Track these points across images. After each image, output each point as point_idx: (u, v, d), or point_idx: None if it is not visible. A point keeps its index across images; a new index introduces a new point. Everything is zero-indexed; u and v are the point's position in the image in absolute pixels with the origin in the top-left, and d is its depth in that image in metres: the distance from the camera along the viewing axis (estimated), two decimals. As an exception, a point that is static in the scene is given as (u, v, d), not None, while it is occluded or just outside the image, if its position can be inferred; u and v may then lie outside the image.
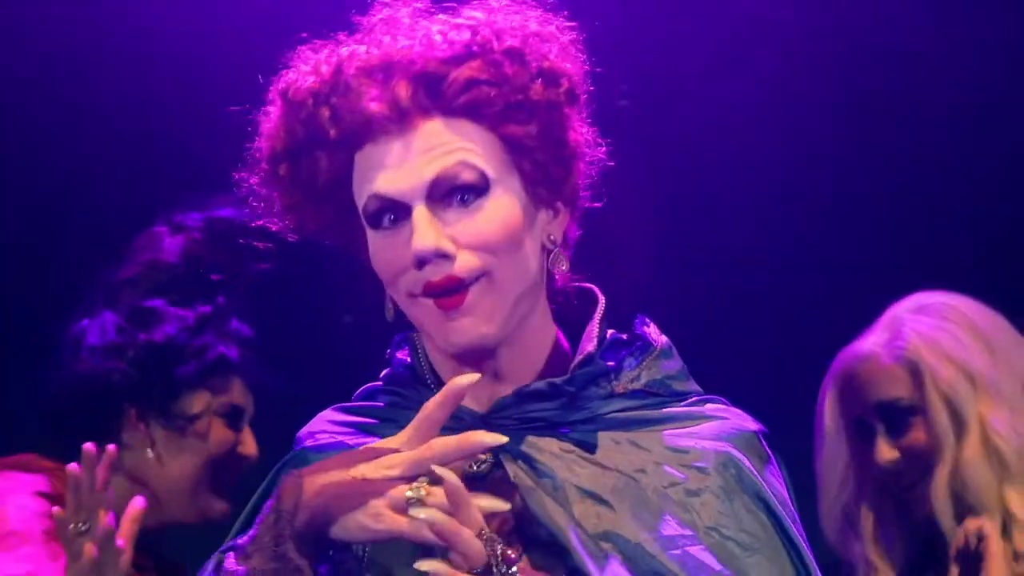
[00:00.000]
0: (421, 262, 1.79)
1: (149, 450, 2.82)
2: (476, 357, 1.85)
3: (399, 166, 1.81)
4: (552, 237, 1.89)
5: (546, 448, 1.85)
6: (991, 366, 2.79)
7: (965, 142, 3.91)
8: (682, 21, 3.84)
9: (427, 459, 1.70)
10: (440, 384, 1.88)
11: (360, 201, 1.85)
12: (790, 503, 1.90)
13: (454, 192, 1.81)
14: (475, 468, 1.84)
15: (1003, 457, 2.73)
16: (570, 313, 1.96)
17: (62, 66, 3.82)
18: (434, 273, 1.80)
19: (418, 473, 1.70)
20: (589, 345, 1.90)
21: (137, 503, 2.52)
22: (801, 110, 3.92)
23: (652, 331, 1.95)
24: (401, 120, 1.81)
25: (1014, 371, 2.79)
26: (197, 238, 2.88)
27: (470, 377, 1.73)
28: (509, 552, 1.72)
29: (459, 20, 1.85)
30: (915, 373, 2.79)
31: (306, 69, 1.86)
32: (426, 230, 1.78)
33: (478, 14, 1.85)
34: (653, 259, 3.69)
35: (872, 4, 3.93)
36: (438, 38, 1.83)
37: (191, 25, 3.83)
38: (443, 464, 1.69)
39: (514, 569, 1.72)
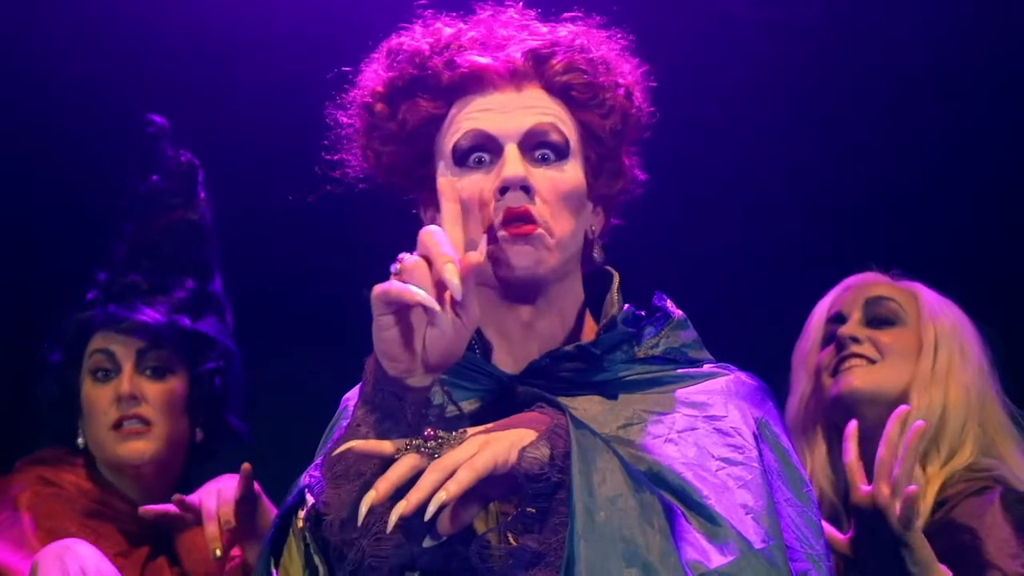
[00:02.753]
0: (505, 189, 2.02)
1: None
2: (525, 292, 2.06)
3: (502, 112, 2.07)
4: (593, 228, 2.14)
5: (578, 405, 2.03)
6: (976, 342, 2.92)
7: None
8: (680, 21, 4.03)
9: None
10: (484, 341, 2.10)
11: (453, 139, 2.08)
12: (792, 449, 2.10)
13: (541, 147, 2.07)
14: None
15: (965, 399, 2.83)
16: (593, 293, 2.17)
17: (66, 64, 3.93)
18: (515, 201, 2.02)
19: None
20: (612, 309, 2.13)
21: None
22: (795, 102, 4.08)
23: (669, 305, 2.18)
24: (511, 78, 2.08)
25: (983, 367, 2.91)
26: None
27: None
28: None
29: (561, 27, 2.15)
30: (913, 297, 2.93)
31: (419, 33, 2.14)
32: (517, 163, 2.03)
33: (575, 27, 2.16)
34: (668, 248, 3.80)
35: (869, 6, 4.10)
36: (545, 30, 2.14)
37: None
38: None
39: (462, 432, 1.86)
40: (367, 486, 1.84)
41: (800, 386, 2.99)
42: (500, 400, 2.07)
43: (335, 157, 2.18)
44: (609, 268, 2.18)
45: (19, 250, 3.91)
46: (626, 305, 2.16)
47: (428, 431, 1.86)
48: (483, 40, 2.12)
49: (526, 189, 2.03)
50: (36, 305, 3.37)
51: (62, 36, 3.90)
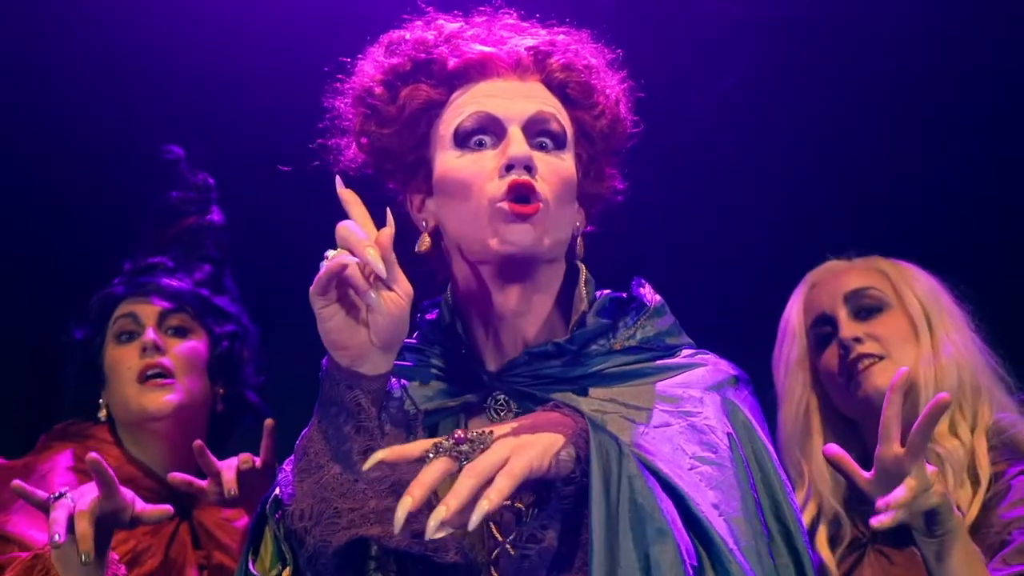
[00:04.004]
0: (510, 167, 2.07)
1: None
2: (518, 272, 2.11)
3: (506, 97, 2.14)
4: (577, 224, 2.20)
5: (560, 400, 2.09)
6: (947, 294, 2.94)
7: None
8: (676, 21, 4.04)
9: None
10: (469, 335, 2.16)
11: (456, 120, 2.14)
12: (768, 439, 2.14)
13: (542, 134, 2.14)
14: (501, 416, 2.12)
15: (958, 371, 2.85)
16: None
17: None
18: (519, 175, 2.07)
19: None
20: (581, 305, 2.17)
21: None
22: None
23: (647, 292, 2.23)
24: (515, 68, 2.16)
25: (963, 318, 2.93)
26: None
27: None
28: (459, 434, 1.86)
29: (556, 33, 2.24)
30: (884, 276, 2.94)
31: (422, 26, 2.21)
32: (522, 143, 2.10)
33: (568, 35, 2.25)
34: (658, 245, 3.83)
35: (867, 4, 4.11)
36: (544, 32, 2.23)
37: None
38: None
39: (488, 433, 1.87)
40: (334, 480, 1.94)
41: (795, 394, 2.97)
42: (483, 395, 2.14)
43: (329, 141, 2.23)
44: (579, 263, 2.22)
45: (47, 253, 4.02)
46: (603, 292, 2.21)
47: (457, 433, 1.85)
48: (484, 35, 2.20)
49: (529, 169, 2.08)
50: (61, 304, 3.41)
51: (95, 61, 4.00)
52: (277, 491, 2.07)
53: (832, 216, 3.98)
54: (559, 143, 2.15)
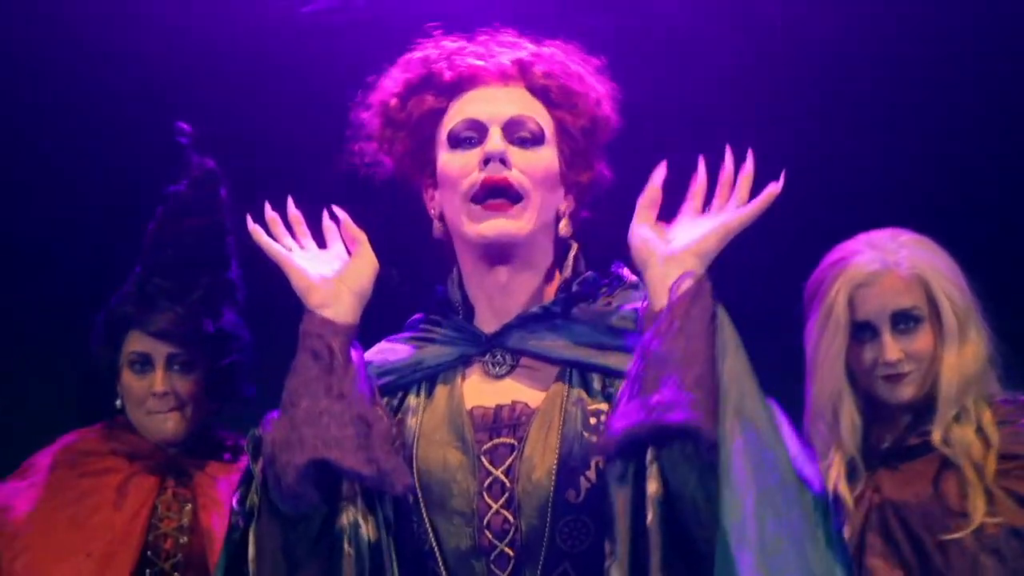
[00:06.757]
0: (487, 160, 2.45)
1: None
2: (501, 255, 2.47)
3: (489, 102, 2.51)
4: (562, 208, 2.55)
5: (547, 345, 2.47)
6: (967, 287, 3.30)
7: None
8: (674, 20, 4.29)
9: None
10: (469, 311, 2.53)
11: (449, 126, 2.51)
12: None
13: (520, 132, 2.49)
14: (498, 370, 2.49)
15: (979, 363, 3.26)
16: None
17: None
18: (494, 172, 2.45)
19: None
20: (566, 272, 2.53)
21: None
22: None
23: (625, 272, 2.58)
24: (500, 77, 2.52)
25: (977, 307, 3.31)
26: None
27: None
28: None
29: (545, 46, 2.59)
30: (925, 286, 3.25)
31: (430, 46, 2.58)
32: (498, 140, 2.47)
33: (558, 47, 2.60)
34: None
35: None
36: (531, 46, 2.58)
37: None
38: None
39: None
40: (303, 413, 2.36)
41: (829, 383, 3.27)
42: (482, 351, 2.51)
43: (356, 147, 2.60)
44: (571, 241, 2.56)
45: (65, 240, 4.47)
46: (588, 272, 2.55)
47: None
48: (481, 52, 2.56)
49: (504, 161, 2.45)
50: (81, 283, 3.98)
51: (99, 52, 4.36)
52: (259, 430, 2.45)
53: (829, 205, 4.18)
54: (537, 140, 2.50)
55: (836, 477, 3.23)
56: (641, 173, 2.45)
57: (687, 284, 2.30)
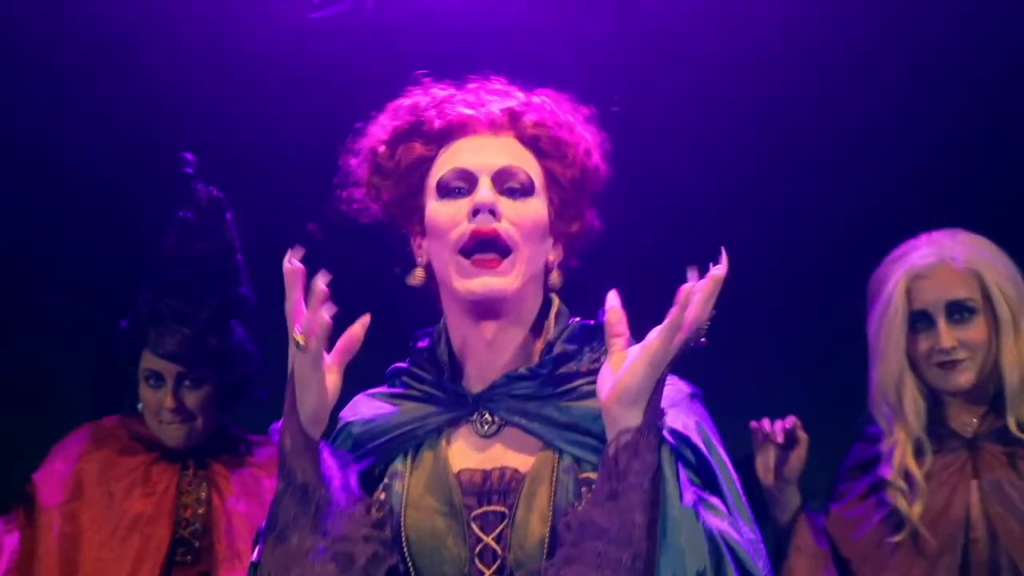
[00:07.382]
0: (477, 211, 2.41)
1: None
2: (488, 310, 2.43)
3: (479, 151, 2.48)
4: (551, 258, 2.53)
5: (533, 411, 2.43)
6: (1021, 282, 3.54)
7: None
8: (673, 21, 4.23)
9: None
10: (454, 365, 2.48)
11: (439, 174, 2.47)
12: (722, 449, 2.43)
13: (509, 183, 2.46)
14: (486, 429, 2.45)
15: None
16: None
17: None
18: (483, 223, 2.41)
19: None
20: (548, 335, 2.49)
21: None
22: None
23: None
24: (490, 127, 2.50)
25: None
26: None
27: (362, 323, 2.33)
28: None
29: (536, 95, 2.57)
30: (979, 279, 3.49)
31: (419, 94, 2.56)
32: (488, 191, 2.44)
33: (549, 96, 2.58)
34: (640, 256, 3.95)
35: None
36: (523, 96, 2.56)
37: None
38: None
39: None
40: (292, 549, 2.33)
41: (893, 359, 3.52)
42: (468, 412, 2.48)
43: (345, 193, 2.58)
44: (553, 295, 2.52)
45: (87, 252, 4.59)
46: (574, 319, 2.52)
47: None
48: (471, 100, 2.53)
49: (493, 212, 2.41)
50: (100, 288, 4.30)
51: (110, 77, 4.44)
52: (256, 554, 2.41)
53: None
54: (526, 190, 2.46)
55: (902, 454, 3.48)
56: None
57: (624, 440, 2.23)
